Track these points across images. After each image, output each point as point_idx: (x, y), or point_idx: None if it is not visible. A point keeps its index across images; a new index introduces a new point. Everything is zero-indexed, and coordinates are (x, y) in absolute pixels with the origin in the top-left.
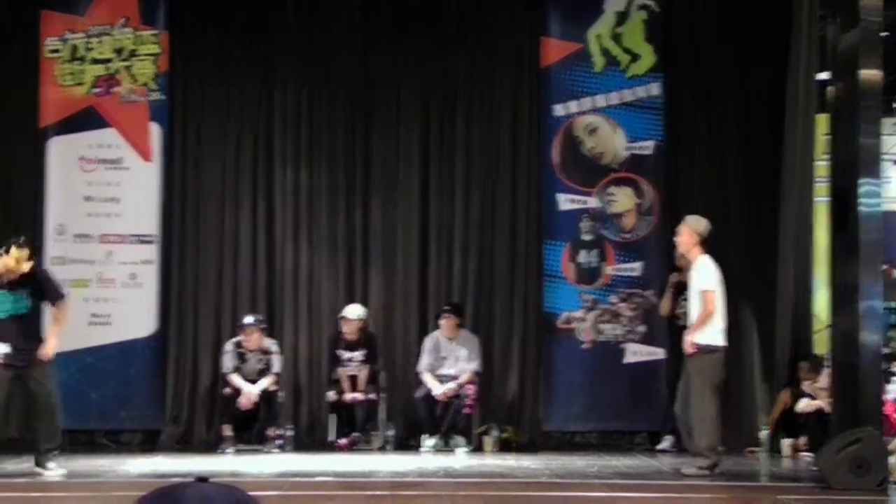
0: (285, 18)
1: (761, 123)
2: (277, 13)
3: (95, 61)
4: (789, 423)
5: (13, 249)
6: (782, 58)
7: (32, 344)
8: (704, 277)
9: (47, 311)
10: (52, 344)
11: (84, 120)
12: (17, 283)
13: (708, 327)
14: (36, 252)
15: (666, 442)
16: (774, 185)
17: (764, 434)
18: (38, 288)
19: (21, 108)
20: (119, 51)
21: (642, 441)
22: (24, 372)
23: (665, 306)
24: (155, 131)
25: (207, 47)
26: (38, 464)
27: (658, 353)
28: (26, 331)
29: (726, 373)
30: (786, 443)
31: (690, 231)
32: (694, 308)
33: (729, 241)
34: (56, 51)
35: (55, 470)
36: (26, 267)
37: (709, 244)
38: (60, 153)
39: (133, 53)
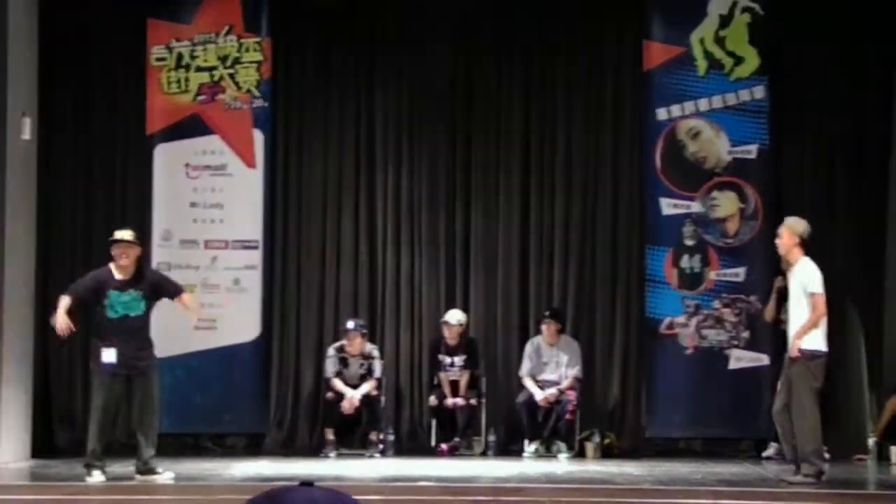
0: (386, 24)
1: (869, 125)
2: (378, 19)
3: (200, 69)
4: None
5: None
6: (891, 56)
7: (144, 348)
8: (810, 280)
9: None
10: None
11: (189, 127)
12: (129, 283)
13: (815, 332)
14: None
15: (771, 449)
16: (883, 187)
17: (871, 441)
18: (154, 286)
19: (128, 116)
20: (223, 58)
21: (747, 448)
22: (134, 377)
23: (769, 312)
24: (258, 138)
25: (309, 54)
26: (146, 471)
27: (762, 360)
28: (139, 333)
29: (826, 378)
30: (894, 450)
31: (790, 232)
32: (795, 310)
33: (835, 243)
34: (162, 59)
35: (164, 473)
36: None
37: (807, 246)
38: (166, 160)
39: (237, 61)
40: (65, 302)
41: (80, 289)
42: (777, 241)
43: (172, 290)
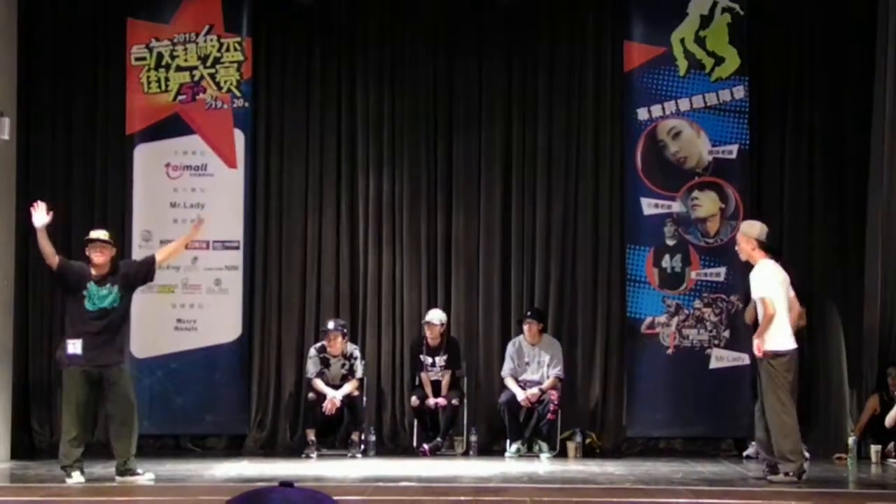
0: (367, 24)
1: (849, 125)
2: (359, 19)
3: (180, 69)
4: (877, 430)
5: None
6: (870, 59)
7: (116, 345)
8: (758, 283)
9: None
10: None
11: (169, 127)
12: (105, 279)
13: (773, 332)
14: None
15: (751, 448)
16: (862, 187)
17: (851, 440)
18: (127, 276)
19: (108, 116)
20: (204, 58)
21: (728, 447)
22: (106, 374)
23: (749, 313)
24: (239, 138)
25: (290, 54)
26: (125, 472)
27: (743, 359)
28: (115, 329)
29: (797, 376)
30: (874, 449)
31: (746, 238)
32: (759, 311)
33: (815, 243)
34: (142, 58)
35: (144, 475)
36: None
37: (767, 246)
38: (146, 160)
39: (217, 60)
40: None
41: (67, 264)
42: (737, 249)
43: (146, 266)
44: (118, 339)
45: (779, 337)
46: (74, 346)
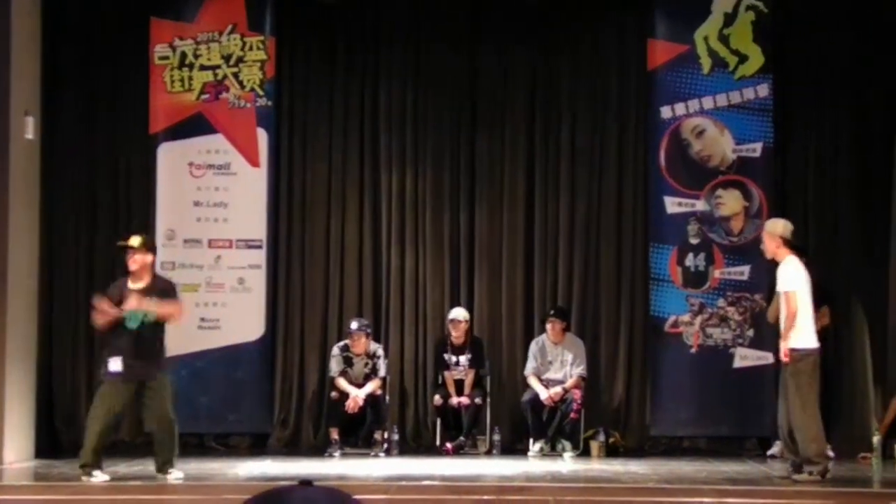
0: (391, 22)
1: (874, 123)
2: (383, 17)
3: (204, 68)
4: None
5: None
6: (895, 54)
7: (157, 357)
8: (785, 278)
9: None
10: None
11: (193, 126)
12: (143, 293)
13: (797, 331)
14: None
15: (776, 447)
16: (887, 185)
17: (876, 439)
18: (162, 293)
19: (132, 115)
20: (227, 57)
21: (752, 447)
22: (147, 382)
23: (772, 312)
24: (262, 137)
25: (313, 52)
26: (162, 469)
27: (767, 358)
28: (152, 343)
29: (821, 375)
30: None
31: (770, 235)
32: (782, 310)
33: (840, 241)
34: (165, 57)
35: (173, 473)
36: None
37: (792, 244)
38: (170, 159)
39: (240, 60)
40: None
41: (110, 293)
42: (761, 247)
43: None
44: (160, 349)
45: (803, 335)
46: (115, 364)
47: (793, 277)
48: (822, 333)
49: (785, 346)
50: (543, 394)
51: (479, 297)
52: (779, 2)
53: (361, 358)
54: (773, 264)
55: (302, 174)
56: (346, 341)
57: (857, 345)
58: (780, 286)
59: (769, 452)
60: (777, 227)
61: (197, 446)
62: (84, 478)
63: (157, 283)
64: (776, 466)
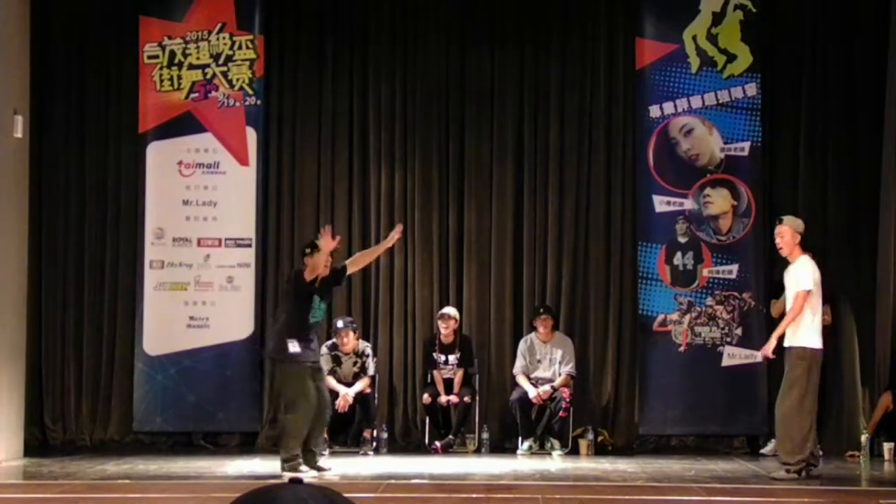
0: (380, 21)
1: (862, 122)
2: (372, 16)
3: (193, 66)
4: (890, 427)
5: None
6: (882, 57)
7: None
8: (803, 277)
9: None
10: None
11: (182, 125)
12: (325, 291)
13: (804, 329)
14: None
15: (770, 446)
16: (875, 184)
17: (864, 438)
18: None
19: (121, 114)
20: (216, 56)
21: (741, 445)
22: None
23: (778, 307)
24: (251, 136)
25: (302, 51)
26: (311, 464)
27: (756, 356)
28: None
29: (821, 375)
30: (887, 446)
31: (792, 231)
32: (788, 308)
33: (828, 240)
34: (154, 56)
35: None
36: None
37: (805, 243)
38: (159, 158)
39: (229, 59)
40: None
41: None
42: (778, 241)
43: (336, 276)
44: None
45: (811, 334)
46: (294, 346)
47: (809, 278)
48: (823, 332)
49: (789, 341)
50: (532, 392)
51: (467, 295)
52: (767, 1)
53: (350, 356)
54: (768, 262)
55: (291, 173)
56: (334, 340)
57: (845, 343)
58: (796, 285)
59: (762, 451)
60: (799, 224)
61: (185, 445)
62: (296, 473)
63: (331, 278)
64: (766, 465)
